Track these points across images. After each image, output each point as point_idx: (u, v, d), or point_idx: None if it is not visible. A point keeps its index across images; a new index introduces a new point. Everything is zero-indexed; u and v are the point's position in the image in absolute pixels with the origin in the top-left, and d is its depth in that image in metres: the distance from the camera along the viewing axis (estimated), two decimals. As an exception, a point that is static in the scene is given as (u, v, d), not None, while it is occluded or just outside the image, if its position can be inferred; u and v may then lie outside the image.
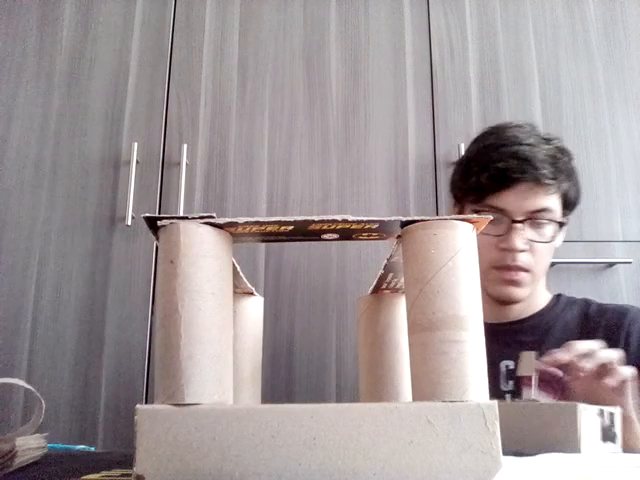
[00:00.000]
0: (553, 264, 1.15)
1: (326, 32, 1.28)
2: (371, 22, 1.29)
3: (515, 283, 0.80)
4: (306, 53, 1.27)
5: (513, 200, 0.78)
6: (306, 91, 1.25)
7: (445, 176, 1.20)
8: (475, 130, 1.21)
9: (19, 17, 1.28)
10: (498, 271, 0.80)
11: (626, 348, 0.79)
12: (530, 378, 0.61)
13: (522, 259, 0.79)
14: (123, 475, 0.39)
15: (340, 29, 1.29)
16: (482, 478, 0.30)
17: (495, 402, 0.31)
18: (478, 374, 0.33)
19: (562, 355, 0.60)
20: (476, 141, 0.87)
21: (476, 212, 0.80)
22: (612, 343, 0.80)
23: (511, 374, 0.81)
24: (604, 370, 0.59)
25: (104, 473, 0.40)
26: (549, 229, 0.80)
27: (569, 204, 0.84)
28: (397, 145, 1.23)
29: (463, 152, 1.17)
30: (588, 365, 0.58)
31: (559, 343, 0.82)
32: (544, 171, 0.77)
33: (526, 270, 0.80)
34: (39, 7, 1.28)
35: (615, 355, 0.60)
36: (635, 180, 1.22)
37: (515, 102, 1.25)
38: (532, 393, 0.59)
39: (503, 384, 0.80)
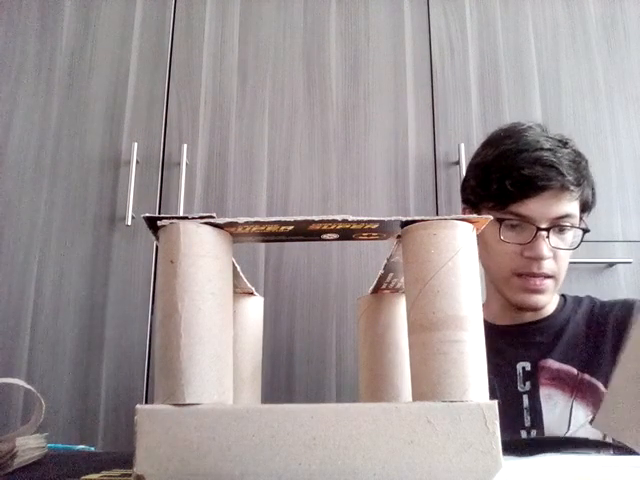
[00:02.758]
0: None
1: (326, 32, 1.28)
2: (371, 22, 1.29)
3: (540, 291, 0.79)
4: (306, 53, 1.27)
5: (538, 207, 0.77)
6: (306, 91, 1.25)
7: (445, 176, 1.20)
8: (475, 130, 1.22)
9: (19, 17, 1.28)
10: (522, 279, 0.79)
11: None
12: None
13: (547, 266, 0.78)
14: (123, 475, 0.39)
15: (340, 29, 1.29)
16: (482, 478, 0.30)
17: (495, 402, 0.31)
18: (478, 374, 0.32)
19: None
20: (491, 145, 0.84)
21: (497, 219, 0.79)
22: (621, 338, 0.81)
23: (528, 375, 0.81)
24: None
25: (104, 473, 0.40)
26: (570, 234, 0.80)
27: (586, 207, 0.83)
28: (397, 145, 1.23)
29: (463, 152, 1.18)
30: None
31: (571, 342, 0.82)
32: (570, 177, 0.76)
33: (550, 277, 0.79)
34: (39, 7, 1.28)
35: None
36: (635, 180, 1.22)
37: (515, 102, 1.25)
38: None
39: (520, 385, 0.81)
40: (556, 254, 0.79)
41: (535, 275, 0.78)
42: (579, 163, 0.79)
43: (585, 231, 0.80)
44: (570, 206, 0.78)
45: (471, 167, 0.87)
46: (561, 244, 0.79)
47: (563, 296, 0.90)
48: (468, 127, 1.23)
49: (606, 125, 1.25)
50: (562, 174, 0.76)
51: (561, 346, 0.82)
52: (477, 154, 0.88)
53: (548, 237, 0.77)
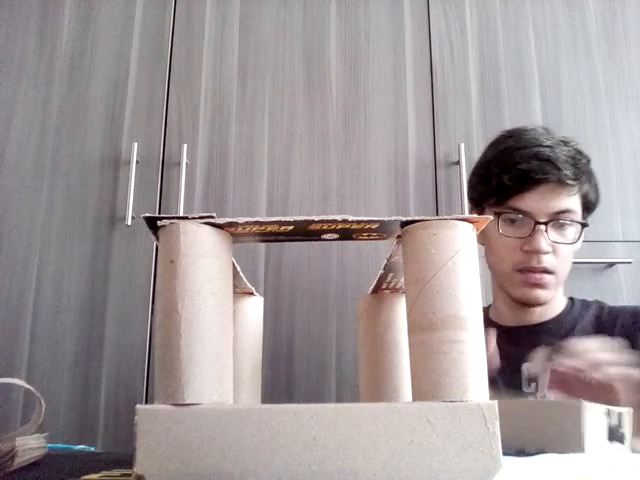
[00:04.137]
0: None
1: (326, 32, 1.28)
2: (371, 22, 1.29)
3: (540, 285, 0.80)
4: (306, 53, 1.27)
5: (536, 201, 0.78)
6: (306, 91, 1.25)
7: (445, 176, 1.20)
8: (475, 130, 1.22)
9: (19, 17, 1.28)
10: (522, 274, 0.80)
11: None
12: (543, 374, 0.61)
13: (546, 261, 0.78)
14: (123, 475, 0.39)
15: (340, 29, 1.29)
16: (482, 478, 0.30)
17: (495, 402, 0.31)
18: (478, 374, 0.32)
19: (575, 362, 0.59)
20: (493, 145, 0.87)
21: (497, 215, 0.80)
22: (630, 345, 0.80)
23: (533, 377, 0.81)
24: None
25: (104, 473, 0.40)
26: (571, 230, 0.80)
27: (589, 206, 0.84)
28: (397, 145, 1.23)
29: (463, 152, 1.18)
30: (596, 376, 0.58)
31: None
32: (566, 172, 0.77)
33: (550, 272, 0.79)
34: (39, 7, 1.28)
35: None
36: (635, 180, 1.22)
37: (515, 102, 1.25)
38: (539, 391, 0.59)
39: (525, 386, 0.81)
40: (556, 249, 0.79)
41: (535, 270, 0.79)
42: (579, 160, 0.80)
43: (584, 225, 0.80)
44: (569, 201, 0.79)
45: (475, 166, 0.90)
46: (560, 239, 0.79)
47: (571, 299, 0.90)
48: (468, 127, 1.23)
49: (606, 125, 1.25)
50: (559, 168, 0.77)
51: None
52: (481, 155, 0.90)
53: (547, 231, 0.78)
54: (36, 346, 1.10)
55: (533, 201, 0.78)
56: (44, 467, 0.44)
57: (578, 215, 0.80)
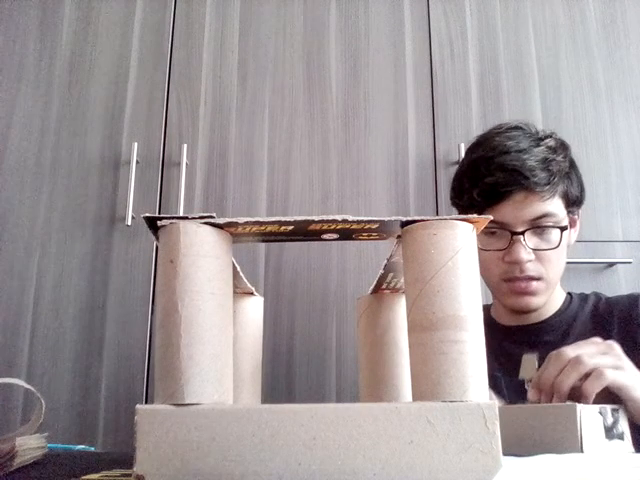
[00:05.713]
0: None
1: (326, 32, 1.28)
2: (371, 22, 1.29)
3: (528, 293, 0.79)
4: (306, 53, 1.27)
5: (509, 212, 0.77)
6: (306, 91, 1.25)
7: (445, 176, 1.20)
8: (475, 130, 1.22)
9: (19, 17, 1.28)
10: (509, 283, 0.79)
11: None
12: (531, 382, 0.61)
13: (530, 268, 0.77)
14: (123, 475, 0.39)
15: (340, 29, 1.29)
16: (482, 478, 0.30)
17: (495, 402, 0.31)
18: (478, 374, 0.32)
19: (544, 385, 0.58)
20: (467, 153, 0.86)
21: None
22: (628, 332, 0.79)
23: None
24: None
25: (104, 473, 0.40)
26: (555, 234, 0.78)
27: (572, 201, 0.81)
28: (397, 145, 1.23)
29: (463, 152, 1.18)
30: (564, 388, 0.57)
31: (580, 339, 0.81)
32: (535, 178, 0.75)
33: (537, 278, 0.78)
34: (39, 7, 1.28)
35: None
36: (635, 180, 1.22)
37: (515, 102, 1.25)
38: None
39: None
40: (540, 255, 0.78)
41: (519, 278, 0.78)
42: (551, 160, 0.77)
43: (562, 229, 0.78)
44: (546, 206, 0.77)
45: (452, 179, 0.89)
46: (542, 245, 0.78)
47: (569, 294, 0.89)
48: (468, 127, 1.23)
49: (606, 125, 1.25)
50: (526, 177, 0.75)
51: (569, 344, 0.81)
52: (459, 164, 0.89)
53: (524, 240, 0.76)
54: (36, 346, 1.10)
55: (507, 212, 0.77)
56: (44, 467, 0.44)
57: (559, 216, 0.78)
